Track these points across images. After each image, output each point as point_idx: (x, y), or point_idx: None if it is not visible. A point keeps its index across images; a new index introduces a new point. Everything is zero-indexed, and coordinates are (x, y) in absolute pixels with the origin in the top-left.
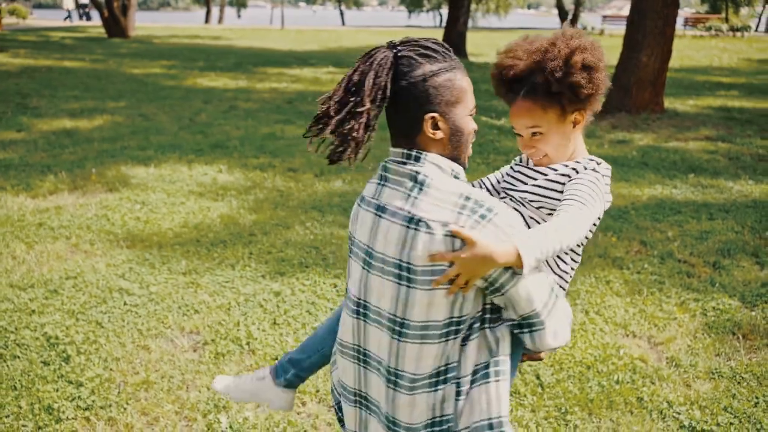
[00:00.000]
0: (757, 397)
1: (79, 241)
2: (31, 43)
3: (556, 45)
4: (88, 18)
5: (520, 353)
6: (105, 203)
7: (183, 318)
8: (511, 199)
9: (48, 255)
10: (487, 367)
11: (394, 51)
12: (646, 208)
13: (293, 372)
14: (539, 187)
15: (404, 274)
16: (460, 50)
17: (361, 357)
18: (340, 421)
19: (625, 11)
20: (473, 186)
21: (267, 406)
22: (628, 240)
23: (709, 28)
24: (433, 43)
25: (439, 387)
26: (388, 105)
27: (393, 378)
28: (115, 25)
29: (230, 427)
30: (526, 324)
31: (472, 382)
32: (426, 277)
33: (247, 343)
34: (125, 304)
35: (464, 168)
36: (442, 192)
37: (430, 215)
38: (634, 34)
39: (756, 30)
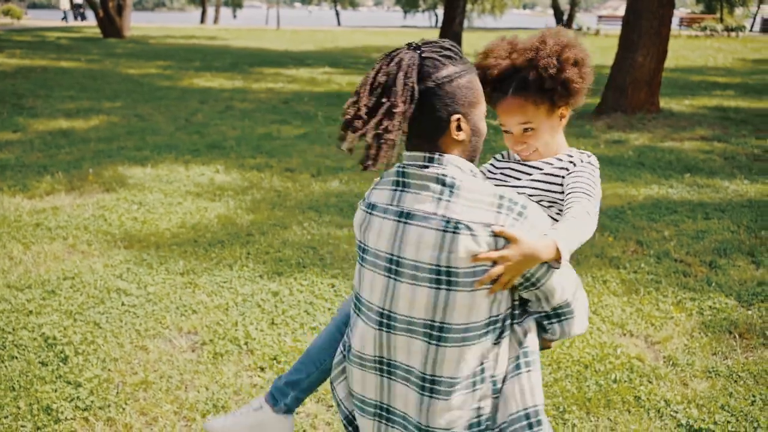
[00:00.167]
0: (753, 396)
1: (76, 242)
2: (26, 43)
3: (546, 42)
4: (83, 18)
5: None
6: (102, 203)
7: (181, 318)
8: None
9: (45, 255)
10: (517, 359)
11: (418, 52)
12: (642, 207)
13: (293, 395)
14: (538, 181)
15: (443, 278)
16: None
17: (384, 368)
18: None
19: (621, 11)
20: None
21: None
22: (625, 240)
23: (704, 28)
24: (450, 44)
25: (477, 387)
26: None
27: (429, 385)
28: (111, 26)
29: None
30: (555, 314)
31: (505, 376)
32: (468, 279)
33: (246, 343)
34: (123, 304)
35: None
36: (474, 193)
37: (468, 217)
38: (629, 34)
39: (750, 30)
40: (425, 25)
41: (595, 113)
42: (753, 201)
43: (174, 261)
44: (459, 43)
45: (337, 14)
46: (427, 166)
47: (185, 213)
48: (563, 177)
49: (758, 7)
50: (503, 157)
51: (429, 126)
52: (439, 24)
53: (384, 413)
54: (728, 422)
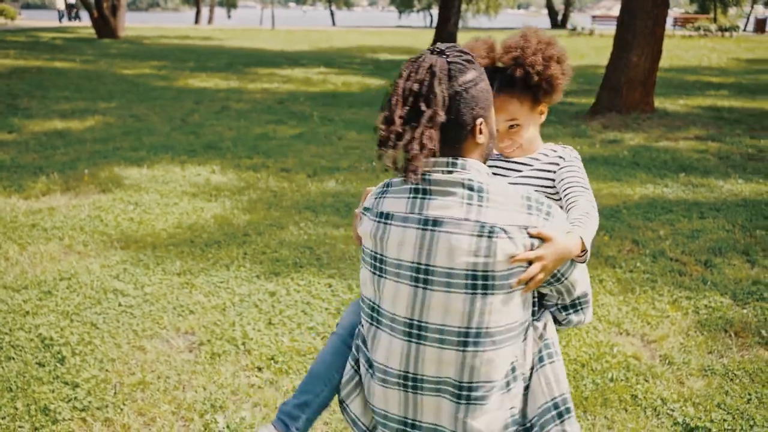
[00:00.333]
0: (749, 394)
1: (72, 242)
2: (20, 43)
3: (530, 41)
4: (77, 18)
5: None
6: (98, 204)
7: (178, 318)
8: None
9: (41, 256)
10: (540, 352)
11: (444, 57)
12: (637, 207)
13: (304, 417)
14: (529, 177)
15: (479, 282)
16: None
17: (410, 383)
18: None
19: (615, 11)
20: None
21: None
22: (620, 239)
23: (697, 28)
24: (465, 48)
25: (511, 387)
26: None
27: (466, 392)
28: (105, 26)
29: (227, 426)
30: (572, 305)
31: (531, 371)
32: (504, 282)
33: (243, 343)
34: (120, 305)
35: None
36: (502, 195)
37: (503, 221)
38: (624, 34)
39: (744, 30)
40: (420, 25)
41: (590, 113)
42: (747, 200)
43: (171, 261)
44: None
45: (332, 14)
46: (450, 172)
47: (181, 213)
48: (554, 172)
49: (751, 7)
50: None
51: (455, 131)
52: (434, 24)
53: (409, 428)
54: (724, 420)
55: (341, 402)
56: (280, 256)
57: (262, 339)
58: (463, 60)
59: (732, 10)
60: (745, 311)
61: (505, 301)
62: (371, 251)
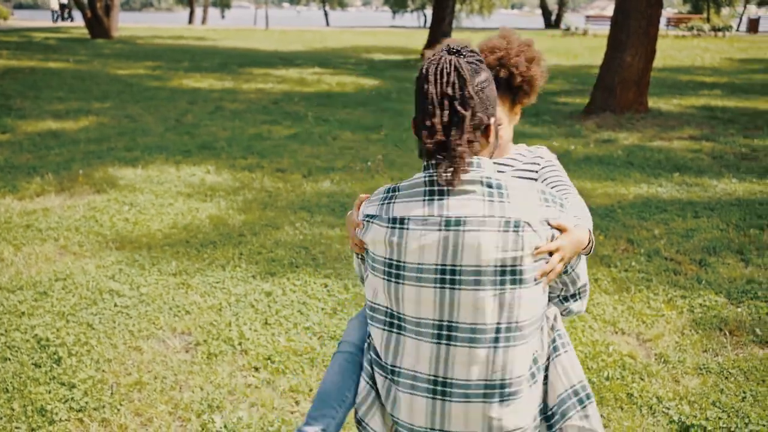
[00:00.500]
0: (744, 392)
1: (67, 243)
2: (13, 43)
3: (511, 43)
4: (70, 18)
5: None
6: (93, 205)
7: (174, 319)
8: None
9: (36, 257)
10: (554, 341)
11: (463, 57)
12: (632, 206)
13: None
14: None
15: (508, 278)
16: None
17: (438, 388)
18: None
19: (608, 11)
20: None
21: None
22: (615, 238)
23: (691, 28)
24: (474, 48)
25: (535, 378)
26: None
27: (498, 390)
28: (98, 26)
29: (225, 426)
30: (573, 294)
31: (547, 361)
32: (531, 274)
33: (239, 343)
34: (116, 305)
35: None
36: (520, 190)
37: (527, 215)
38: (618, 34)
39: (737, 30)
40: (414, 25)
41: (584, 113)
42: (741, 199)
43: (166, 262)
44: None
45: (326, 14)
46: (467, 171)
47: (177, 214)
48: (536, 172)
49: (744, 7)
50: None
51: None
52: (428, 24)
53: None
54: (719, 418)
55: (359, 422)
56: (276, 256)
57: (258, 339)
58: (476, 60)
59: (725, 10)
60: (739, 310)
61: (531, 294)
62: (384, 258)
